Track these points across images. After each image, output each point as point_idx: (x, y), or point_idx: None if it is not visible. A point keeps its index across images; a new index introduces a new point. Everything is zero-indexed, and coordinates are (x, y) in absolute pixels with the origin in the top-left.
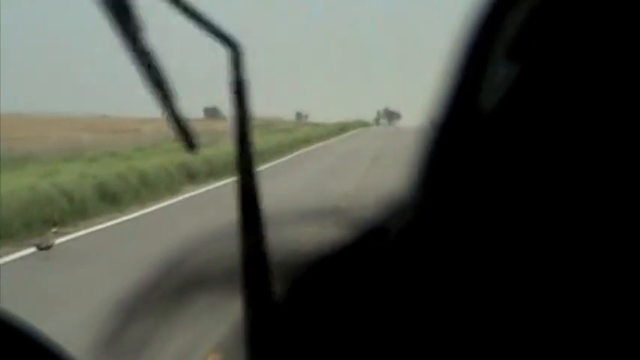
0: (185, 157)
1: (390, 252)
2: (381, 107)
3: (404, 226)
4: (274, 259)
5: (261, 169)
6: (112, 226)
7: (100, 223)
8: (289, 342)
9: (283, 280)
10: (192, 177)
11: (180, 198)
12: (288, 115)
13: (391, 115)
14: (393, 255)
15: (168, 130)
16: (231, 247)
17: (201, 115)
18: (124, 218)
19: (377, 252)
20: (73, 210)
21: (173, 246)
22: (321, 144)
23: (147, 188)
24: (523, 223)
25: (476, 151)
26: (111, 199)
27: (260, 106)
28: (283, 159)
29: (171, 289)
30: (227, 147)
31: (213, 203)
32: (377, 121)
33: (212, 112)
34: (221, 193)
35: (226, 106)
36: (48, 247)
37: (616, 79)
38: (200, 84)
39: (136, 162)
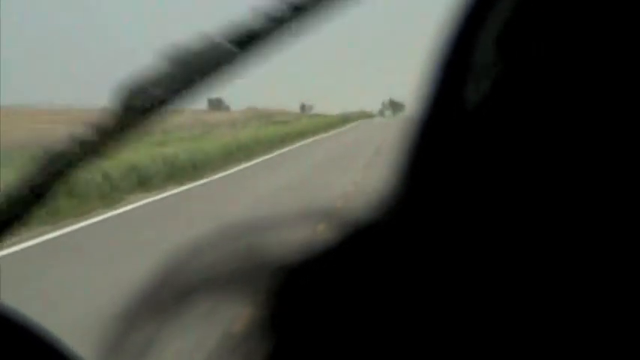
0: (150, 156)
1: (378, 250)
2: (385, 98)
3: (390, 224)
4: (266, 260)
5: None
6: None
7: None
8: (278, 342)
9: (273, 280)
10: (144, 182)
11: (114, 213)
12: (293, 106)
13: (396, 106)
14: (380, 253)
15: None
16: (235, 249)
17: (205, 105)
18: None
19: (365, 250)
20: None
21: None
22: (316, 137)
23: (74, 201)
24: (511, 219)
25: (461, 145)
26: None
27: (265, 98)
28: (269, 156)
29: (173, 292)
30: (211, 142)
31: (159, 220)
32: (381, 113)
33: (216, 103)
34: (172, 203)
35: (230, 97)
36: None
37: (607, 73)
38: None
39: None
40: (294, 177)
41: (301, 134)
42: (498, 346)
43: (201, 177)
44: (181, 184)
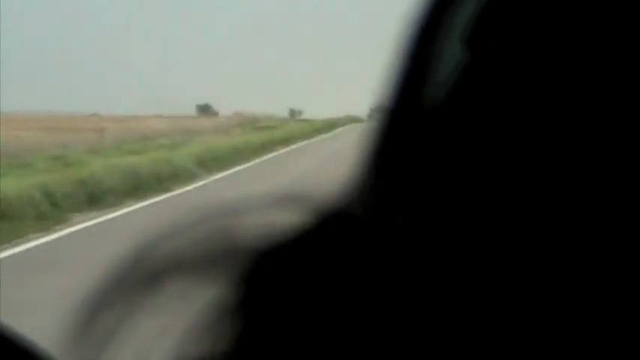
0: (105, 167)
1: (349, 238)
2: (374, 103)
3: (360, 213)
4: (238, 243)
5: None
6: None
7: None
8: (248, 325)
9: (244, 264)
10: (96, 199)
11: (45, 239)
12: (283, 111)
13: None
14: (353, 241)
15: (139, 129)
16: (207, 232)
17: (193, 111)
18: None
19: (337, 237)
20: None
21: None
22: (302, 144)
23: (4, 223)
24: (478, 213)
25: (425, 139)
26: None
27: (254, 103)
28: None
29: (142, 275)
30: (187, 149)
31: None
32: (371, 117)
33: (204, 109)
34: (119, 226)
35: (218, 102)
36: None
37: (576, 67)
38: (193, 79)
39: (42, 175)
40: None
41: (286, 140)
42: (481, 345)
43: (165, 191)
44: (141, 199)
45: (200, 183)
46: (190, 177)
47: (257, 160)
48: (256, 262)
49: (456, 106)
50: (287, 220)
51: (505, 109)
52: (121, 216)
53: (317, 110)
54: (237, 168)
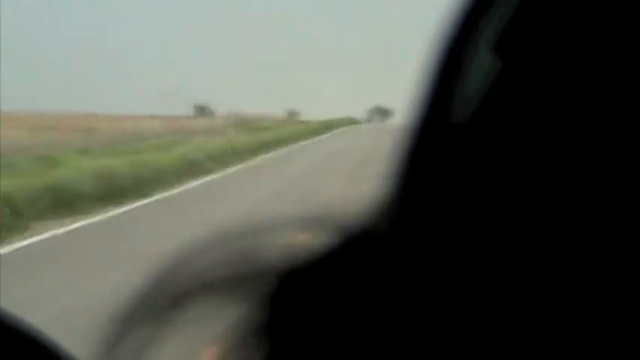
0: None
1: (374, 258)
2: (373, 105)
3: (387, 233)
4: (261, 265)
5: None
6: None
7: None
8: (272, 348)
9: (268, 286)
10: (63, 205)
11: None
12: (280, 112)
13: (383, 113)
14: (378, 261)
15: (132, 129)
16: (230, 254)
17: (190, 111)
18: None
19: (362, 258)
20: None
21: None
22: (296, 146)
23: None
24: (505, 226)
25: (457, 153)
26: None
27: (251, 103)
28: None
29: (168, 297)
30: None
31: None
32: (369, 119)
33: (201, 109)
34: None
35: (216, 102)
36: None
37: (609, 77)
38: (191, 79)
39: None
40: (251, 206)
41: (281, 142)
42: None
43: (141, 197)
44: (112, 206)
45: (182, 188)
46: (174, 181)
47: (249, 163)
48: (281, 283)
49: (485, 121)
50: (310, 241)
51: (537, 122)
52: (87, 226)
53: (315, 111)
54: (227, 171)
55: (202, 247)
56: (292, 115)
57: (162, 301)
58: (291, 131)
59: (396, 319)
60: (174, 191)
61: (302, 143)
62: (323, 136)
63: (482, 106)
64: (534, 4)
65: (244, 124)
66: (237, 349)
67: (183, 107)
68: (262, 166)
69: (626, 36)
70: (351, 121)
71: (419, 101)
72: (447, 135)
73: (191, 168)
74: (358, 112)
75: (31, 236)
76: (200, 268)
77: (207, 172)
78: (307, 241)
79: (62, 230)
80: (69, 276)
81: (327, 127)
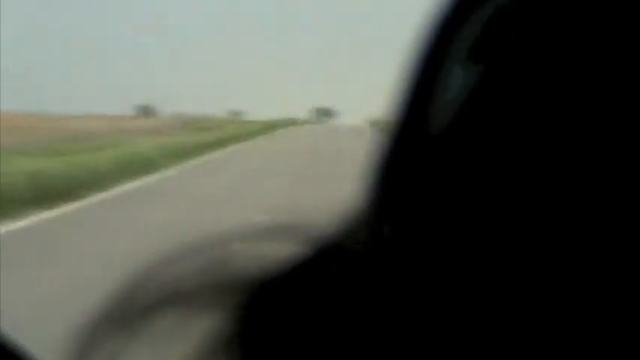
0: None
1: (347, 270)
2: (316, 105)
3: (360, 244)
4: (233, 275)
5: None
6: None
7: None
8: (243, 358)
9: (239, 297)
10: None
11: None
12: (224, 112)
13: (326, 113)
14: (350, 273)
15: (73, 130)
16: (202, 264)
17: (134, 111)
18: None
19: (334, 269)
20: None
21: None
22: (237, 147)
23: None
24: (489, 237)
25: (433, 163)
26: None
27: (196, 104)
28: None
29: (139, 306)
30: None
31: None
32: (312, 119)
33: (144, 109)
34: None
35: (160, 102)
36: None
37: (590, 80)
38: (135, 79)
39: None
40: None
41: (222, 143)
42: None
43: (74, 200)
44: (42, 209)
45: (115, 191)
46: (109, 183)
47: (188, 164)
48: (251, 295)
49: (462, 129)
50: (283, 250)
51: (512, 127)
52: (10, 231)
53: (259, 112)
54: (164, 174)
55: (173, 257)
56: (236, 115)
57: (133, 311)
58: (237, 131)
59: (368, 331)
60: (107, 195)
61: (249, 142)
62: (268, 135)
63: (459, 115)
64: (509, 11)
65: (187, 124)
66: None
67: (126, 107)
68: (200, 169)
69: (600, 37)
70: (294, 122)
71: (396, 111)
72: (423, 145)
73: (128, 170)
74: (302, 112)
75: None
76: (171, 278)
77: (144, 173)
78: (279, 252)
79: None
80: None
81: (270, 127)
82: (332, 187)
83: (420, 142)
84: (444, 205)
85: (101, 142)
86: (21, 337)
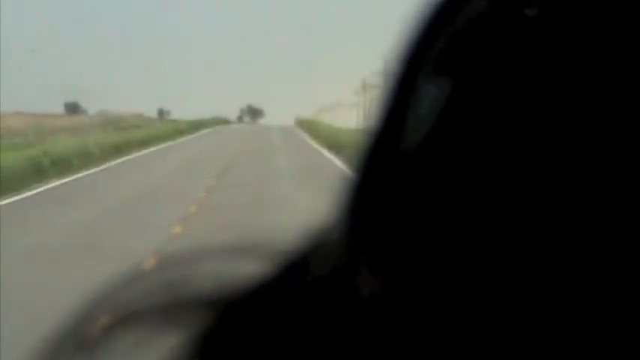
0: None
1: (312, 291)
2: (244, 104)
3: (325, 265)
4: (198, 293)
5: None
6: None
7: None
8: None
9: (202, 317)
10: None
11: None
12: (152, 111)
13: (254, 112)
14: (315, 294)
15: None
16: (165, 282)
17: (61, 109)
18: None
19: (298, 289)
20: None
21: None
22: (160, 146)
23: None
24: (465, 253)
25: (407, 179)
26: None
27: (124, 102)
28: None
29: (99, 325)
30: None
31: None
32: (240, 119)
33: (73, 107)
34: None
35: (88, 100)
36: None
37: (561, 90)
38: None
39: None
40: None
41: (144, 142)
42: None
43: None
44: None
45: (26, 194)
46: (19, 184)
47: (104, 166)
48: (214, 314)
49: (435, 144)
50: (247, 269)
51: (493, 137)
52: None
53: (185, 110)
54: (77, 175)
55: (134, 276)
56: (163, 114)
57: (92, 331)
58: (162, 130)
59: (333, 351)
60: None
61: (175, 142)
62: (194, 135)
63: (432, 131)
64: (476, 24)
65: (112, 122)
66: None
67: (55, 105)
68: (133, 164)
69: (565, 50)
70: (220, 121)
71: (371, 127)
72: (398, 162)
73: (34, 171)
74: (230, 111)
75: None
76: (131, 297)
77: (49, 177)
78: (242, 271)
79: None
80: None
81: (196, 126)
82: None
83: (395, 159)
84: (419, 221)
85: (14, 142)
86: None
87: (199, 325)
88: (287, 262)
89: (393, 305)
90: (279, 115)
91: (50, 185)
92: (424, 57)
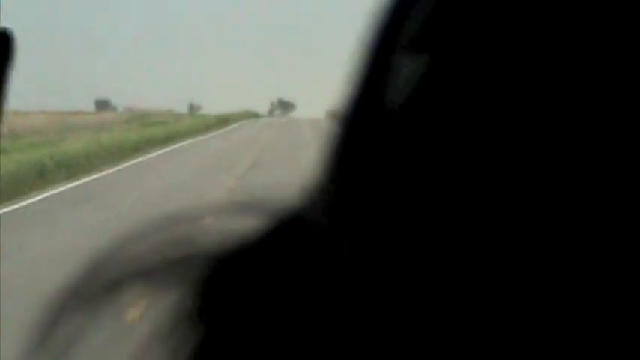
0: None
1: (306, 244)
2: (275, 97)
3: (319, 219)
4: (196, 250)
5: None
6: None
7: None
8: (206, 332)
9: (202, 271)
10: None
11: None
12: (182, 106)
13: (285, 106)
14: (310, 247)
15: (14, 126)
16: (164, 239)
17: (92, 107)
18: None
19: (294, 244)
20: None
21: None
22: (184, 143)
23: None
24: (440, 220)
25: (385, 147)
26: None
27: (154, 98)
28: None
29: (104, 281)
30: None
31: None
32: (271, 112)
33: (103, 104)
34: None
35: (119, 97)
36: None
37: (532, 68)
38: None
39: None
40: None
41: (168, 139)
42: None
43: None
44: None
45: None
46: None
47: (113, 169)
48: (214, 268)
49: (414, 109)
50: (244, 225)
51: (467, 112)
52: None
53: (216, 105)
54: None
55: (137, 234)
56: (193, 108)
57: (97, 287)
58: (189, 125)
59: (327, 305)
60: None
61: (200, 138)
62: (222, 131)
63: (408, 103)
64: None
65: (138, 119)
66: (171, 333)
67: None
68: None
69: (537, 24)
70: (250, 115)
71: (350, 91)
72: (377, 124)
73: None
74: (261, 105)
75: None
76: (135, 254)
77: (53, 182)
78: (243, 227)
79: None
80: None
81: (223, 121)
82: None
83: (374, 124)
84: (399, 181)
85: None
86: None
87: (201, 279)
88: (285, 216)
89: (367, 263)
90: (311, 108)
91: (34, 199)
92: (399, 31)
